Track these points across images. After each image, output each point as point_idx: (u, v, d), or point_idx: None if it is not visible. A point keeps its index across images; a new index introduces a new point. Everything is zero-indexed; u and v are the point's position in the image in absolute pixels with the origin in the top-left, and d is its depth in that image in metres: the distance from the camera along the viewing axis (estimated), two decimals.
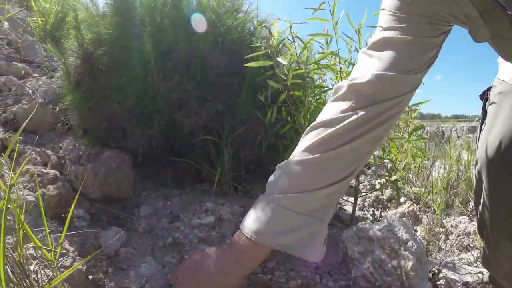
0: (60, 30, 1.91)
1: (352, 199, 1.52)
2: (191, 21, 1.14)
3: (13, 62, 1.58)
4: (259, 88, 1.12)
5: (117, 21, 1.16)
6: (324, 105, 1.08)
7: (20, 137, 1.19)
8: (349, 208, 1.39)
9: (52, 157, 1.17)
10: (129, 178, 1.10)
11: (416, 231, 1.34)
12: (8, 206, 0.67)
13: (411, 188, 1.39)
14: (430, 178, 1.80)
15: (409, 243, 0.93)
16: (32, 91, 1.39)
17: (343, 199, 1.52)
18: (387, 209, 1.39)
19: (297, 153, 0.57)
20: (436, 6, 0.52)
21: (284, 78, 0.94)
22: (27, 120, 0.75)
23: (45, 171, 0.99)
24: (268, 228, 0.52)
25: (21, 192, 0.88)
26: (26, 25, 1.93)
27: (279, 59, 0.89)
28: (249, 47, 1.24)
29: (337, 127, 0.53)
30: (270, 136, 1.13)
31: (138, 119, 1.11)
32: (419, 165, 1.87)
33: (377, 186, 1.56)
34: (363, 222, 0.97)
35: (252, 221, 0.53)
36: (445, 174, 1.77)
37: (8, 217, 0.76)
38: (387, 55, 0.54)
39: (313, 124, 0.58)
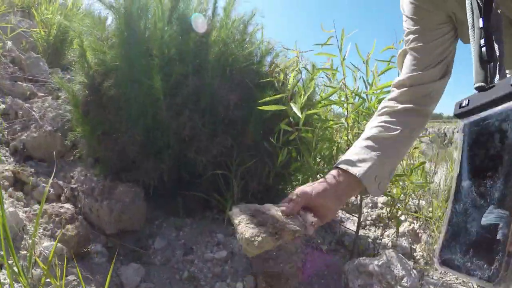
0: (63, 41, 1.89)
1: (355, 218, 1.57)
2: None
3: (18, 82, 1.57)
4: (267, 120, 1.14)
5: (124, 52, 1.15)
6: (329, 140, 1.11)
7: (32, 169, 1.22)
8: (351, 227, 1.44)
9: (65, 189, 1.20)
10: (142, 211, 1.14)
11: (415, 250, 1.40)
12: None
13: (410, 212, 1.44)
14: (431, 188, 1.85)
15: (405, 279, 1.00)
16: (39, 116, 1.39)
17: (346, 216, 1.58)
18: (388, 228, 1.45)
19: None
20: (435, 14, 0.68)
21: (293, 117, 0.96)
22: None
23: (62, 210, 1.02)
24: (368, 171, 0.68)
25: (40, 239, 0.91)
26: (29, 36, 1.90)
27: (293, 105, 0.91)
28: (257, 74, 1.25)
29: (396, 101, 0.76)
30: (277, 167, 1.16)
31: (149, 153, 1.13)
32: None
33: (379, 205, 1.62)
34: (363, 258, 1.03)
35: (350, 159, 0.70)
36: (445, 187, 1.82)
37: (35, 271, 0.80)
38: (406, 62, 0.76)
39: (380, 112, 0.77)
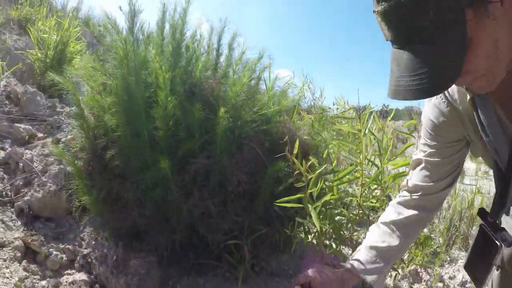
0: (60, 61, 1.77)
1: None
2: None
3: (15, 124, 1.50)
4: (278, 194, 1.11)
5: (126, 122, 1.08)
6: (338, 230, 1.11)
7: (42, 236, 1.21)
8: None
9: (77, 256, 1.21)
10: (157, 278, 1.17)
11: None
12: None
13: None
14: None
15: None
16: (41, 168, 1.35)
17: (348, 253, 1.62)
18: (391, 270, 1.50)
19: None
20: (452, 133, 0.74)
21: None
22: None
23: None
24: (379, 279, 0.82)
25: None
26: (26, 57, 1.76)
27: (314, 217, 0.88)
28: (267, 135, 1.19)
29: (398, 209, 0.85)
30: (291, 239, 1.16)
31: (160, 226, 1.12)
32: None
33: None
34: None
35: (361, 268, 0.83)
36: (448, 214, 1.85)
37: None
38: (420, 170, 0.82)
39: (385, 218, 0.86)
